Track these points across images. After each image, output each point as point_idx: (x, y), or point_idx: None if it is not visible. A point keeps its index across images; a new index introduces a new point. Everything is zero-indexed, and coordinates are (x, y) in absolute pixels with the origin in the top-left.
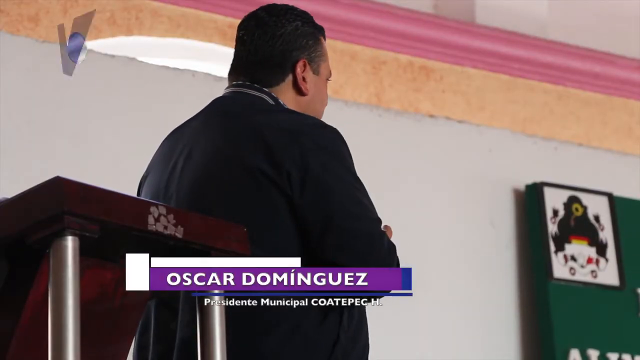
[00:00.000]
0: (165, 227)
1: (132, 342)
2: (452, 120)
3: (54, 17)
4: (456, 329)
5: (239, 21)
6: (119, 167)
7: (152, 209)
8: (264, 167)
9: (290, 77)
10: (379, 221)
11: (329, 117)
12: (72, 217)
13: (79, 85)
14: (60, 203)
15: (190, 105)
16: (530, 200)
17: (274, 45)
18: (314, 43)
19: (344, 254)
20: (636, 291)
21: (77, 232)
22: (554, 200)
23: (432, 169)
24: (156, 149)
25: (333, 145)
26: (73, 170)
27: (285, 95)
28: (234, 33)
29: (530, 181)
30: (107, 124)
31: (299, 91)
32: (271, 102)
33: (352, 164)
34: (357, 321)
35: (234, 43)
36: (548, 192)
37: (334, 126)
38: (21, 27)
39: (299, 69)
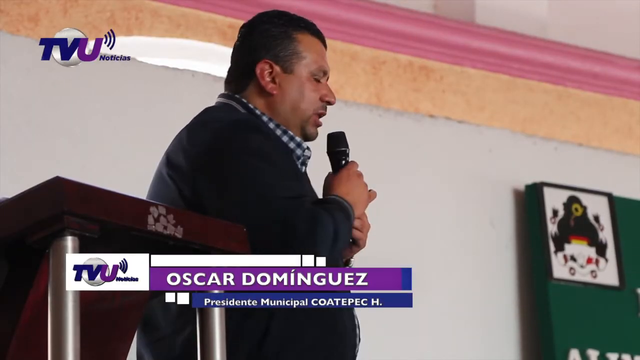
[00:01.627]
0: (165, 227)
1: (132, 342)
2: (452, 120)
3: (54, 17)
4: (456, 329)
5: (239, 21)
6: (119, 167)
7: (152, 209)
8: (172, 174)
9: (255, 80)
10: (294, 197)
11: (329, 117)
12: (72, 217)
13: (78, 85)
14: (60, 203)
15: (190, 105)
16: (530, 200)
17: (242, 52)
18: (283, 42)
19: (265, 246)
20: (636, 291)
21: (77, 232)
22: (553, 201)
23: (432, 169)
24: (156, 148)
25: (234, 139)
26: (73, 170)
27: (254, 98)
28: (234, 33)
29: (530, 181)
30: (107, 124)
31: (267, 92)
32: (238, 107)
33: (261, 148)
34: (299, 321)
35: (234, 43)
36: (548, 192)
37: (334, 126)
38: (21, 27)
39: (258, 70)
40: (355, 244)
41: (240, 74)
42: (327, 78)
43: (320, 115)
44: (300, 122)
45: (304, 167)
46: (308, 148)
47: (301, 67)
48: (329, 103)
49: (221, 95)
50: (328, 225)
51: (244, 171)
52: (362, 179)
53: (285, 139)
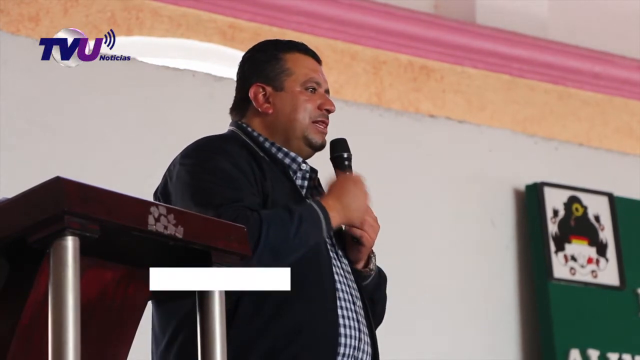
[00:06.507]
0: (166, 227)
1: (132, 342)
2: (453, 120)
3: (54, 17)
4: (456, 329)
5: (239, 21)
6: (119, 167)
7: (152, 209)
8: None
9: (251, 104)
10: (226, 203)
11: (329, 116)
12: (72, 217)
13: (79, 85)
14: (61, 203)
15: (190, 105)
16: (530, 200)
17: (238, 82)
18: (270, 64)
19: None
20: (636, 291)
21: (78, 232)
22: (554, 200)
23: (432, 168)
24: (156, 148)
25: (184, 158)
26: (73, 170)
27: (253, 121)
28: (234, 33)
29: (530, 181)
30: (107, 123)
31: (263, 112)
32: (238, 132)
33: (205, 161)
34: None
35: (234, 43)
36: (548, 192)
37: (334, 126)
38: (21, 27)
39: (251, 94)
40: (359, 243)
41: (239, 101)
42: (327, 91)
43: (322, 123)
44: (301, 132)
45: (305, 181)
46: (304, 162)
47: (291, 83)
48: (328, 111)
49: (230, 124)
50: (252, 225)
51: (182, 192)
52: (358, 188)
53: (280, 155)
